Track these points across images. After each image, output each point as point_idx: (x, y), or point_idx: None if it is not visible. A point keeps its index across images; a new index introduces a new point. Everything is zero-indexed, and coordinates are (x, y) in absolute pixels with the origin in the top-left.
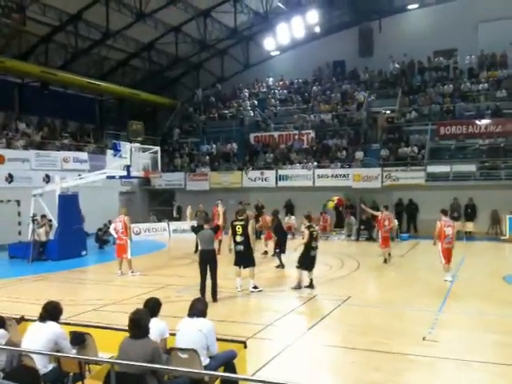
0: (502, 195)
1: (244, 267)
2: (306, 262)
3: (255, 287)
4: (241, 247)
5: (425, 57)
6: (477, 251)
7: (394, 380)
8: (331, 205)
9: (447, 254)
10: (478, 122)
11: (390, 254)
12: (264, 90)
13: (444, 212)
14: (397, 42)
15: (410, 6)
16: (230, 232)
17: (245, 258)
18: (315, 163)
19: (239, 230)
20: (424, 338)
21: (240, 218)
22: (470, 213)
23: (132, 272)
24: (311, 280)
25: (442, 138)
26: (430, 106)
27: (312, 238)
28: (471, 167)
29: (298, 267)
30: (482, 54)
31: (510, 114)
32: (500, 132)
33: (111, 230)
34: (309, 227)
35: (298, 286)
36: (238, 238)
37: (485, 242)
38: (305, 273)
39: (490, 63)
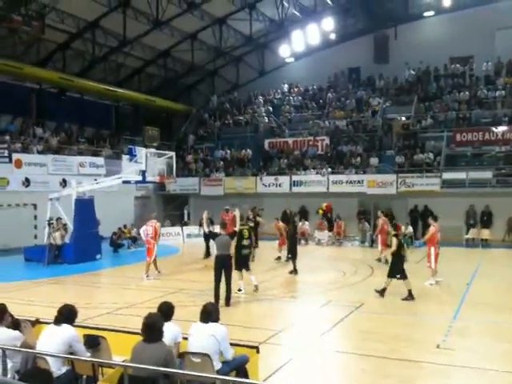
0: None
1: (246, 270)
2: (402, 271)
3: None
4: (246, 251)
5: (441, 64)
6: (492, 259)
7: None
8: (321, 212)
9: (437, 259)
10: (494, 129)
11: (380, 259)
12: (279, 96)
13: (435, 218)
14: (412, 49)
15: (425, 14)
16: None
17: (247, 262)
18: (329, 169)
19: (245, 233)
20: (438, 346)
21: (243, 223)
22: (486, 220)
23: (147, 276)
24: (410, 290)
25: (458, 144)
26: (445, 113)
27: (402, 246)
28: (487, 174)
29: (399, 278)
30: (498, 61)
31: None
32: None
33: (141, 231)
34: (396, 236)
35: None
36: (246, 242)
37: (501, 249)
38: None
39: (507, 70)
